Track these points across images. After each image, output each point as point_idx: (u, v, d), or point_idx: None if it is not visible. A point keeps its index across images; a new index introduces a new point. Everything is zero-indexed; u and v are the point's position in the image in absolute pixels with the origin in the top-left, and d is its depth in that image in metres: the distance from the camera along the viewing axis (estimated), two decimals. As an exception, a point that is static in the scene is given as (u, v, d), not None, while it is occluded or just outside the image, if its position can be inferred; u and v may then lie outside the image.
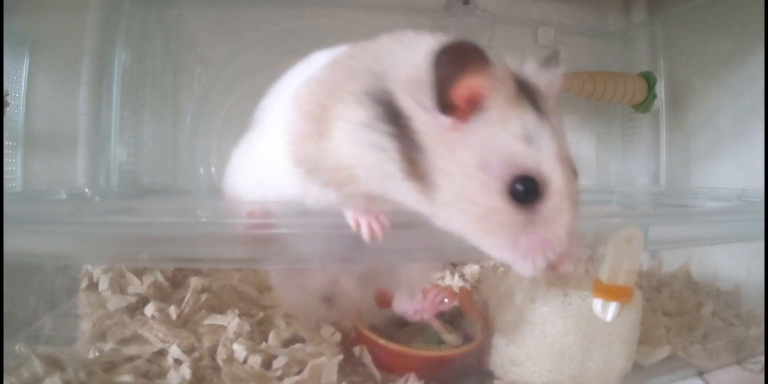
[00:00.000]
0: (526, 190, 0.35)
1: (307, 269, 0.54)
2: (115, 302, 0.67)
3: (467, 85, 0.34)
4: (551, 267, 0.36)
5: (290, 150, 0.41)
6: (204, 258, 0.42)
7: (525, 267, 0.36)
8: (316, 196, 0.41)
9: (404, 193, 0.37)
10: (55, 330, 0.68)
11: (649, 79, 1.04)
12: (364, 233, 0.40)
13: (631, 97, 1.03)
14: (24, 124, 0.89)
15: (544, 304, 0.57)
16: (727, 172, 0.97)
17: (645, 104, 1.05)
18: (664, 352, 0.67)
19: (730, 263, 0.90)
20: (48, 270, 0.78)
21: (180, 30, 0.99)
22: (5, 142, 0.85)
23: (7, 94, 0.84)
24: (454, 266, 0.86)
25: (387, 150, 0.36)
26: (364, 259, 0.44)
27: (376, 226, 0.40)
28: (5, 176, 0.84)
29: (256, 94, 0.87)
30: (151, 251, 0.41)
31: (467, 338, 0.61)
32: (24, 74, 0.89)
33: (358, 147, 0.37)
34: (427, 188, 0.36)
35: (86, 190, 0.79)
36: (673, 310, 0.81)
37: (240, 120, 0.86)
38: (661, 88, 1.05)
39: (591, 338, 0.57)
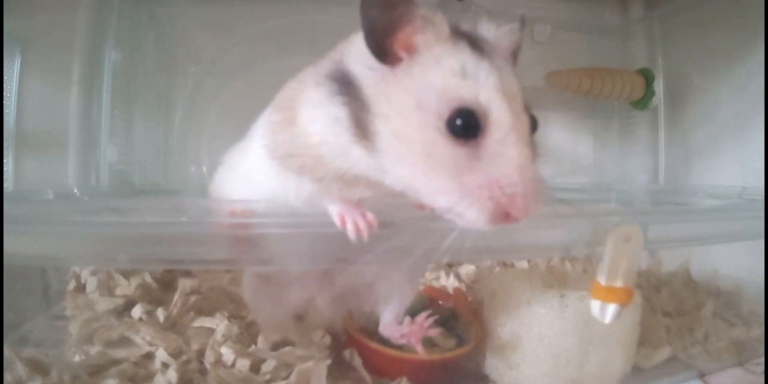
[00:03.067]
0: (465, 124, 0.34)
1: (284, 282, 0.52)
2: (102, 304, 0.65)
3: (395, 29, 0.35)
4: (502, 215, 0.33)
5: (265, 143, 0.42)
6: (184, 259, 0.40)
7: (471, 213, 0.33)
8: (294, 188, 0.40)
9: (360, 160, 0.37)
10: (47, 332, 0.67)
11: (647, 76, 1.02)
12: (350, 231, 0.38)
13: (628, 94, 1.01)
14: (15, 124, 0.87)
15: (540, 306, 0.55)
16: (726, 169, 0.95)
17: (643, 101, 1.03)
18: (664, 353, 0.65)
19: (730, 262, 0.88)
20: (37, 272, 0.76)
21: (172, 28, 0.97)
22: None
23: None
24: (449, 267, 0.84)
25: (341, 119, 0.37)
26: (349, 260, 0.42)
27: (362, 224, 0.38)
28: None
29: (247, 91, 0.85)
30: (129, 252, 0.39)
31: (461, 341, 0.59)
32: (15, 74, 0.87)
33: (319, 122, 0.38)
34: (371, 143, 0.36)
35: (75, 190, 0.77)
36: (673, 311, 0.78)
37: (231, 118, 0.85)
38: (659, 85, 1.03)
39: (589, 340, 0.55)
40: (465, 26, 0.39)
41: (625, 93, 1.00)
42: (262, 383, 0.54)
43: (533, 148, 0.35)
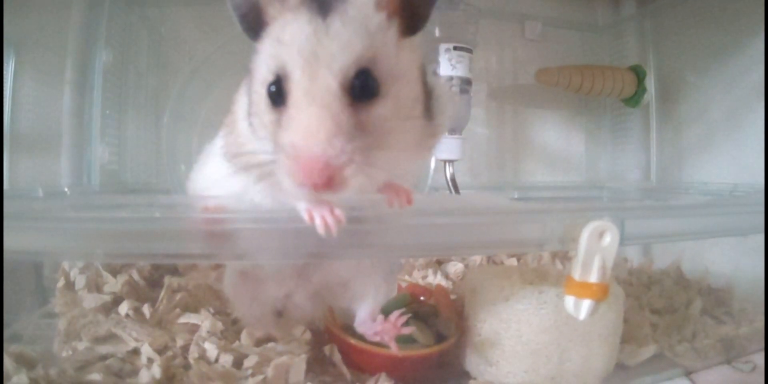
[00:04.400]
0: (278, 91, 0.34)
1: (261, 279, 0.52)
2: (90, 301, 0.66)
3: (256, 8, 0.37)
4: (302, 180, 0.32)
5: (221, 144, 0.43)
6: (159, 253, 0.40)
7: (280, 178, 0.34)
8: (247, 186, 0.40)
9: (262, 145, 0.38)
10: (39, 330, 0.68)
11: (638, 73, 1.02)
12: (319, 226, 0.37)
13: (620, 91, 1.01)
14: (9, 123, 0.88)
15: (518, 302, 0.55)
16: (719, 166, 0.95)
17: (635, 98, 1.03)
18: (649, 351, 0.65)
19: (722, 259, 0.88)
20: (30, 270, 0.78)
21: (163, 28, 0.98)
22: None
23: None
24: (438, 264, 0.84)
25: (245, 108, 0.39)
26: (320, 253, 0.42)
27: (330, 220, 0.38)
28: None
29: (236, 91, 0.86)
30: (106, 247, 0.40)
31: (441, 337, 0.59)
32: (9, 75, 0.88)
33: (243, 119, 0.40)
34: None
35: (66, 189, 0.78)
36: (662, 308, 0.78)
37: (220, 117, 0.86)
38: (650, 82, 1.03)
39: (569, 337, 0.55)
40: None
41: (617, 90, 1.00)
42: (243, 378, 0.54)
43: (345, 111, 0.33)
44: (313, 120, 0.32)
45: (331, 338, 0.57)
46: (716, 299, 0.81)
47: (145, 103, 0.96)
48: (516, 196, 1.01)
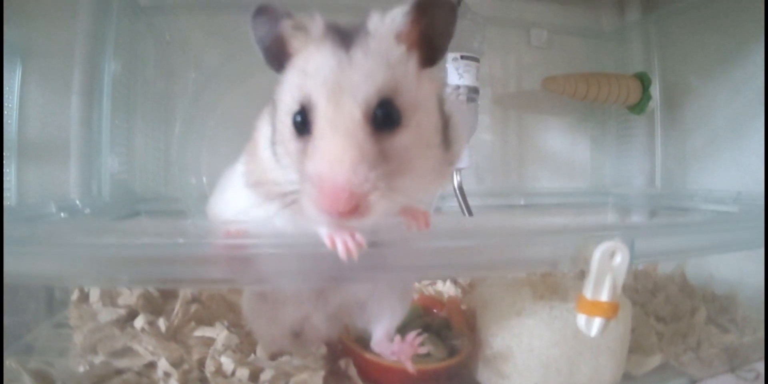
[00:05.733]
0: (303, 121, 0.36)
1: (280, 301, 0.54)
2: (105, 315, 0.67)
3: (278, 41, 0.39)
4: (327, 208, 0.33)
5: (242, 171, 0.45)
6: (183, 278, 0.42)
7: (304, 205, 0.35)
8: (268, 212, 0.41)
9: (286, 172, 0.39)
10: (50, 341, 0.68)
11: (643, 80, 1.03)
12: (341, 251, 0.39)
13: (625, 98, 1.02)
14: (17, 133, 0.89)
15: (530, 317, 0.56)
16: (723, 172, 0.96)
17: (640, 105, 1.04)
18: (655, 360, 0.66)
19: (726, 265, 0.89)
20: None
21: (171, 37, 0.98)
22: None
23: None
24: (446, 272, 0.85)
25: (269, 138, 0.40)
26: (341, 277, 0.44)
27: (351, 244, 0.39)
28: None
29: (245, 101, 0.86)
30: (130, 272, 0.41)
31: (454, 351, 0.60)
32: (16, 84, 0.89)
33: (265, 147, 0.41)
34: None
35: (77, 202, 0.79)
36: (667, 316, 0.79)
37: (229, 128, 0.87)
38: (655, 89, 1.04)
39: (578, 350, 0.57)
40: (349, 23, 0.40)
41: (622, 97, 1.01)
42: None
43: (369, 140, 0.34)
44: (338, 149, 0.33)
45: (346, 352, 0.59)
46: (720, 307, 0.82)
47: (154, 111, 0.97)
48: (522, 203, 1.02)
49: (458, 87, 0.90)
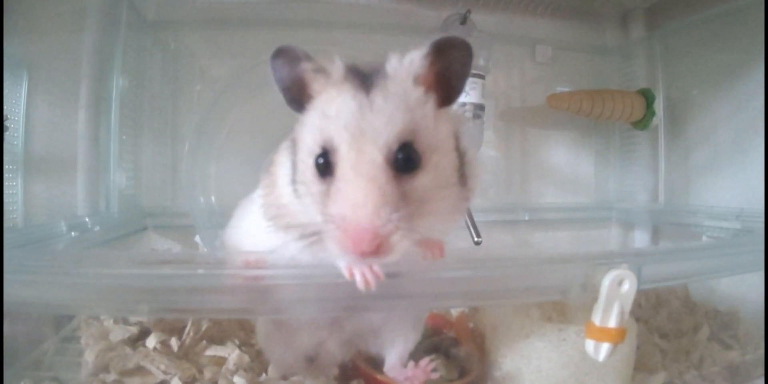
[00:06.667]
0: (325, 163, 0.37)
1: (295, 328, 0.55)
2: (117, 333, 0.68)
3: (299, 82, 0.40)
4: (351, 249, 0.34)
5: (261, 204, 0.46)
6: (202, 308, 0.43)
7: (328, 245, 0.36)
8: (287, 245, 0.42)
9: (308, 211, 0.39)
10: (59, 354, 0.69)
11: (647, 97, 1.05)
12: (359, 282, 0.40)
13: (629, 114, 1.04)
14: (23, 147, 0.89)
15: (538, 340, 0.58)
16: (725, 188, 0.97)
17: (643, 121, 1.06)
18: (659, 379, 0.67)
19: (728, 279, 0.89)
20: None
21: (178, 52, 0.99)
22: (5, 166, 0.85)
23: (7, 118, 0.84)
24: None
25: (289, 174, 0.41)
26: (358, 306, 0.45)
27: (369, 276, 0.40)
28: (5, 199, 0.84)
29: (253, 118, 0.88)
30: (150, 302, 0.42)
31: (463, 371, 0.61)
32: (23, 97, 0.89)
33: (286, 183, 0.42)
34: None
35: (86, 219, 0.80)
36: (670, 332, 0.81)
37: (237, 144, 0.88)
38: (659, 105, 1.05)
39: (585, 371, 0.58)
40: (368, 65, 0.41)
41: (626, 114, 1.03)
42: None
43: (390, 183, 0.35)
44: (360, 192, 0.34)
45: (358, 374, 0.60)
46: (722, 323, 0.83)
47: (161, 126, 0.98)
48: (526, 218, 1.04)
49: (464, 104, 0.92)
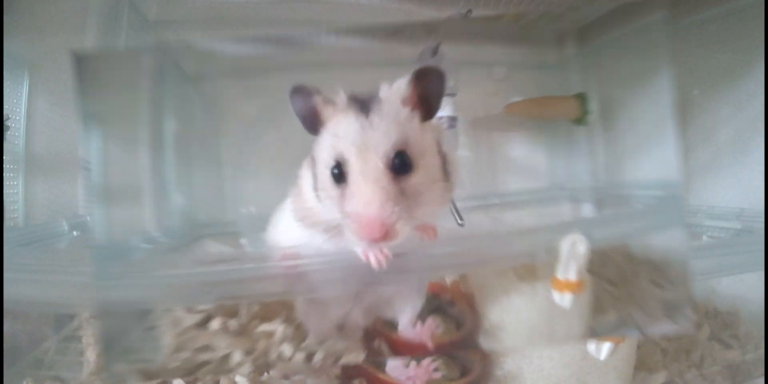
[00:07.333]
0: (339, 173, 0.39)
1: (326, 303, 0.56)
2: (187, 320, 0.69)
3: (312, 111, 0.42)
4: (366, 236, 0.37)
5: (291, 209, 0.48)
6: (252, 294, 0.44)
7: (348, 234, 0.38)
8: (313, 238, 0.44)
9: (328, 211, 0.41)
10: (60, 353, 0.63)
11: (583, 99, 1.05)
12: (373, 262, 0.42)
13: (569, 114, 1.04)
14: (24, 147, 0.79)
15: (516, 296, 0.56)
16: (725, 188, 0.84)
17: (582, 119, 1.06)
18: (660, 378, 0.60)
19: (728, 278, 0.76)
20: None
21: (218, 99, 0.94)
22: (6, 165, 0.75)
23: (8, 118, 0.76)
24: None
25: (310, 183, 0.44)
26: (374, 281, 0.46)
27: (380, 257, 0.42)
28: (6, 199, 0.75)
29: (278, 143, 0.87)
30: (212, 293, 0.43)
31: (465, 370, 0.57)
32: (24, 97, 0.79)
33: (309, 190, 0.44)
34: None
35: (156, 233, 0.79)
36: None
37: (268, 165, 0.88)
38: (596, 105, 1.02)
39: (586, 370, 0.53)
40: (365, 93, 0.43)
41: (567, 114, 1.04)
42: (315, 370, 0.57)
43: (391, 183, 0.38)
44: (369, 193, 0.37)
45: (359, 372, 0.58)
46: (723, 322, 0.73)
47: (207, 159, 0.96)
48: (497, 202, 1.04)
49: (441, 117, 0.93)
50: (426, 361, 0.54)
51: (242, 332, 0.67)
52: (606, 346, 0.49)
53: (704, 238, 0.78)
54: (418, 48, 0.92)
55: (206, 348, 0.63)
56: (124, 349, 0.67)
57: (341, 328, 0.58)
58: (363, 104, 0.41)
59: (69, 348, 0.62)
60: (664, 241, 0.78)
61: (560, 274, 0.50)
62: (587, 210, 1.10)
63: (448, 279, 0.79)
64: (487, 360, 0.58)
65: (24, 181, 0.79)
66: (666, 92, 0.84)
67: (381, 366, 0.56)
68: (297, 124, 0.53)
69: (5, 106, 0.73)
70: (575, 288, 0.50)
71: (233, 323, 0.67)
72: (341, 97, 0.42)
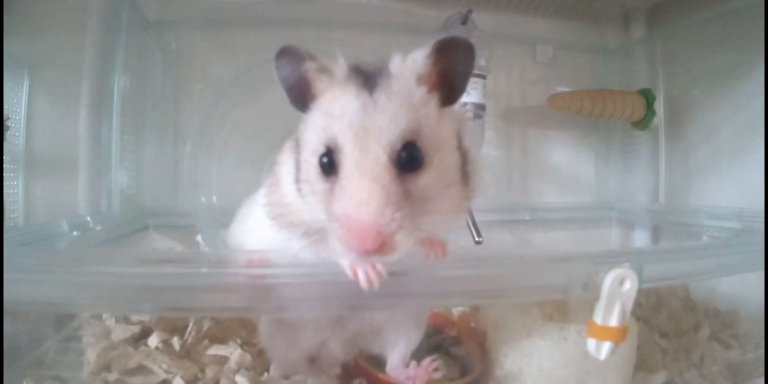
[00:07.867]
0: (329, 162, 0.37)
1: (298, 327, 0.55)
2: (119, 332, 0.68)
3: (303, 81, 0.39)
4: (355, 247, 0.34)
5: (264, 202, 0.45)
6: (204, 307, 0.43)
7: (332, 244, 0.36)
8: (289, 243, 0.43)
9: (312, 210, 0.39)
10: (61, 354, 0.69)
11: (648, 97, 1.05)
12: (362, 281, 0.40)
13: (630, 115, 1.04)
14: (25, 147, 0.89)
15: (540, 338, 0.58)
16: (726, 188, 0.97)
17: (644, 122, 1.06)
18: (660, 378, 0.67)
19: (728, 278, 0.89)
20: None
21: (179, 51, 0.99)
22: (6, 165, 0.85)
23: (8, 118, 0.84)
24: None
25: (293, 173, 0.41)
26: (361, 305, 0.45)
27: (372, 274, 0.40)
28: (6, 199, 0.84)
29: (255, 117, 0.88)
30: (153, 301, 0.42)
31: (465, 370, 0.62)
32: (24, 97, 0.89)
33: (289, 182, 0.42)
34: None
35: (88, 218, 0.80)
36: (670, 332, 0.81)
37: (239, 144, 0.88)
38: (660, 105, 1.05)
39: (587, 370, 0.58)
40: (371, 64, 0.41)
41: (626, 114, 1.03)
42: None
43: (394, 181, 0.35)
44: (365, 191, 0.34)
45: (359, 373, 0.60)
46: (723, 322, 0.83)
47: (162, 126, 0.98)
48: (527, 218, 1.04)
49: (465, 104, 0.92)
50: (426, 361, 0.56)
51: (187, 354, 0.67)
52: (606, 346, 0.49)
53: (704, 237, 0.88)
54: (444, 13, 0.91)
55: (140, 369, 0.63)
56: (34, 362, 0.67)
57: (313, 361, 0.57)
58: (367, 78, 0.38)
59: (69, 348, 0.68)
60: (737, 286, 0.87)
61: (599, 318, 0.49)
62: (641, 238, 1.11)
63: (456, 310, 0.79)
64: (487, 360, 0.61)
65: (24, 181, 0.88)
66: (757, 97, 0.87)
67: (381, 365, 0.58)
68: (281, 95, 0.52)
69: (5, 106, 0.83)
70: (616, 336, 0.50)
71: (176, 341, 0.67)
72: (340, 66, 0.39)
